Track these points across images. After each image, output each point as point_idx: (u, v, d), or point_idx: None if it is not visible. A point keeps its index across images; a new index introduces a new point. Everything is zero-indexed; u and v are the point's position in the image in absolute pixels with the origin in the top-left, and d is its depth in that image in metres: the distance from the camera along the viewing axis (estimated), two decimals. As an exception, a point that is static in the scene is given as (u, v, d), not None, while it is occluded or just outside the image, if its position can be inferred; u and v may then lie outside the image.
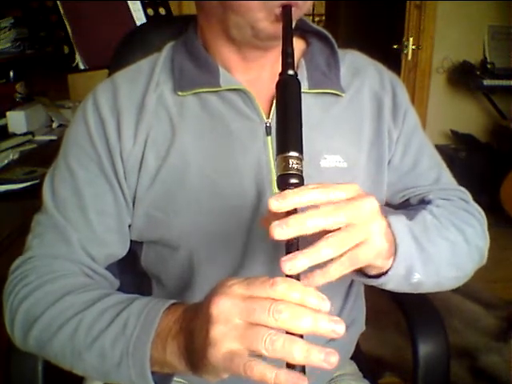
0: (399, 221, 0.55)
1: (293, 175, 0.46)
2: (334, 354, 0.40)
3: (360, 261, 0.48)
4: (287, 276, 0.43)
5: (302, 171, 0.47)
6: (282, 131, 0.49)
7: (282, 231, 0.43)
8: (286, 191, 0.45)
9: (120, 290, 0.64)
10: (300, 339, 0.40)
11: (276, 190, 0.64)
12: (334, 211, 0.45)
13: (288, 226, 0.43)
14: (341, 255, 0.46)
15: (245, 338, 0.41)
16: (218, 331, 0.42)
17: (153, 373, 0.51)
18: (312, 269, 0.46)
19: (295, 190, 0.45)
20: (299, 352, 0.39)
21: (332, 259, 0.46)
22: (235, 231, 0.66)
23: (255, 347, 0.40)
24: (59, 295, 0.58)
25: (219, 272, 0.66)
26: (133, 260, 0.74)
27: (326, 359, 0.39)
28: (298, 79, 0.52)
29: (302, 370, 0.41)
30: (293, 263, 0.42)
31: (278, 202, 0.44)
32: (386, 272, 0.54)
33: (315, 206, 0.45)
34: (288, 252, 0.44)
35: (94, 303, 0.57)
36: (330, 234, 0.45)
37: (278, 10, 0.57)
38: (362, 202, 0.47)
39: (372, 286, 0.59)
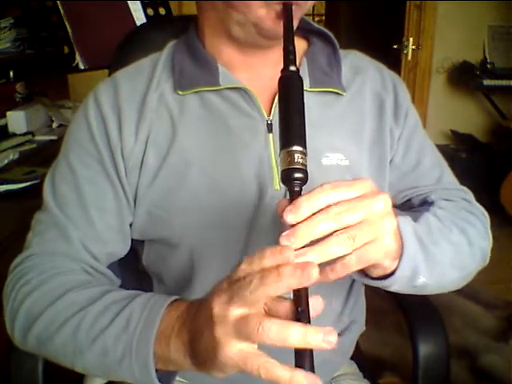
0: (406, 222, 0.55)
1: (297, 170, 0.46)
2: (333, 333, 0.39)
3: (369, 259, 0.48)
4: None
5: (306, 166, 0.47)
6: (285, 126, 0.49)
7: (290, 243, 0.43)
8: (298, 199, 0.44)
9: (121, 288, 0.64)
10: (294, 322, 0.40)
11: (278, 186, 0.64)
12: (344, 212, 0.44)
13: (297, 238, 0.43)
14: (350, 252, 0.45)
15: (242, 332, 0.40)
16: (220, 331, 0.42)
17: (156, 370, 0.51)
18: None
19: (306, 196, 0.44)
20: (296, 335, 0.39)
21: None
22: (236, 228, 0.66)
23: (253, 339, 0.40)
24: (60, 293, 0.58)
25: (220, 270, 0.65)
26: (134, 259, 0.74)
27: (324, 339, 0.39)
28: (300, 75, 0.53)
29: (311, 366, 0.40)
30: (302, 259, 0.42)
31: (294, 215, 0.43)
32: (392, 274, 0.54)
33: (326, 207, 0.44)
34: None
35: (96, 300, 0.56)
36: (340, 231, 0.44)
37: (279, 7, 0.58)
38: (374, 199, 0.46)
39: (372, 287, 0.59)
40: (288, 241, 0.43)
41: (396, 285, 0.56)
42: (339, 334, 0.72)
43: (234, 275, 0.43)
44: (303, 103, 0.51)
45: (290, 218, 0.43)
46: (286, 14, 0.57)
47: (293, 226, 0.44)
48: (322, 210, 0.44)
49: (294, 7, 0.57)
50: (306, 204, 0.44)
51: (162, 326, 0.51)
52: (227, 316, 0.41)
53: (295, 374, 0.39)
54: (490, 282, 1.87)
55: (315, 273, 0.39)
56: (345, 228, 0.44)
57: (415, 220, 0.60)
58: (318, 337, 0.38)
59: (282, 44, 0.54)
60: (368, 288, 0.79)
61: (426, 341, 0.76)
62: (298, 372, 0.39)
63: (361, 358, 0.88)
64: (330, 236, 0.44)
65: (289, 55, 0.53)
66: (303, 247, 0.43)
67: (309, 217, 0.44)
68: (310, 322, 0.41)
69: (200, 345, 0.45)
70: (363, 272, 0.56)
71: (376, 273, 0.54)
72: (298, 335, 0.39)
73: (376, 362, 1.69)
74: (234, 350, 0.41)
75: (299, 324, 0.39)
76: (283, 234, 0.43)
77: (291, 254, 0.41)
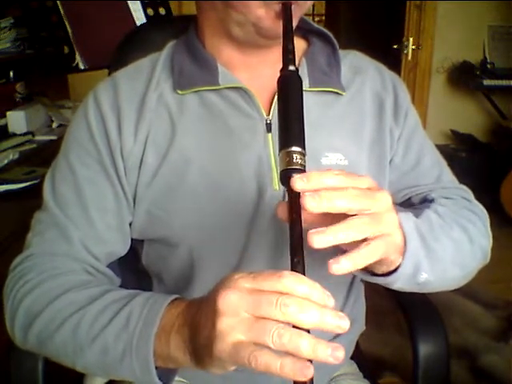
0: (408, 218, 0.55)
1: (296, 170, 0.46)
2: (341, 349, 0.39)
3: (382, 251, 0.48)
4: (293, 269, 0.43)
5: (305, 166, 0.47)
6: (284, 126, 0.49)
7: (314, 203, 0.43)
8: (311, 172, 0.45)
9: (121, 287, 0.64)
10: (307, 333, 0.40)
11: (277, 186, 0.65)
12: (358, 196, 0.45)
13: (309, 179, 0.44)
14: (367, 244, 0.46)
15: (252, 331, 0.40)
16: (225, 324, 0.41)
17: (156, 368, 0.51)
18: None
19: (318, 172, 0.45)
20: (306, 346, 0.39)
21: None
22: (236, 228, 0.66)
23: (262, 340, 0.40)
24: (60, 292, 0.58)
25: (220, 269, 0.66)
26: (134, 258, 0.74)
27: (332, 354, 0.39)
28: (299, 75, 0.53)
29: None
30: (320, 237, 0.43)
31: (303, 182, 0.44)
32: (395, 270, 0.54)
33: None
34: (292, 248, 0.44)
35: (96, 299, 0.57)
36: (356, 216, 0.45)
37: (278, 7, 0.58)
38: (378, 194, 0.47)
39: (372, 286, 0.59)
40: (301, 181, 0.43)
41: (399, 282, 0.56)
42: (339, 334, 0.72)
43: (260, 281, 0.42)
44: (302, 103, 0.51)
45: (299, 183, 0.44)
46: (286, 14, 0.57)
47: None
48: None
49: (293, 7, 0.57)
50: (317, 177, 0.44)
51: (162, 323, 0.51)
52: (239, 313, 0.41)
53: (284, 362, 0.39)
54: (489, 282, 1.86)
55: (347, 326, 0.40)
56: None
57: (416, 216, 0.60)
58: (327, 351, 0.39)
59: (282, 44, 0.54)
60: (368, 288, 0.79)
61: (426, 341, 0.76)
62: (287, 359, 0.39)
63: (361, 358, 0.88)
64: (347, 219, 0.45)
65: (288, 55, 0.53)
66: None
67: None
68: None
69: (199, 339, 0.46)
70: (367, 269, 0.56)
71: (380, 269, 0.54)
72: (308, 346, 0.39)
73: (376, 362, 1.69)
74: (230, 342, 0.41)
75: (311, 336, 0.40)
76: (308, 193, 0.43)
77: (330, 302, 0.42)
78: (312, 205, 0.43)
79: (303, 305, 0.40)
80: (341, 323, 0.40)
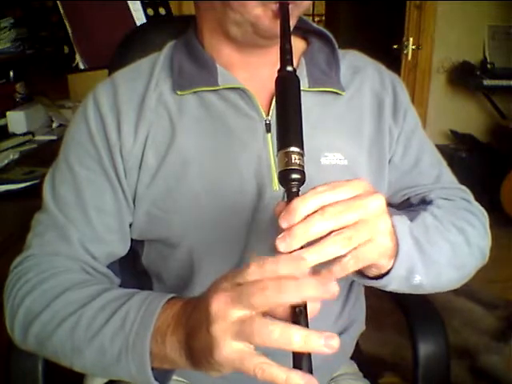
0: (401, 221, 0.55)
1: (294, 170, 0.46)
2: (334, 337, 0.39)
3: (366, 259, 0.47)
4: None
5: (303, 166, 0.47)
6: (282, 127, 0.49)
7: (287, 244, 0.42)
8: (292, 202, 0.44)
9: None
10: (296, 326, 0.39)
11: (276, 186, 0.65)
12: (340, 213, 0.44)
13: (293, 239, 0.42)
14: (346, 253, 0.45)
15: (242, 333, 0.40)
16: (217, 329, 0.41)
17: (153, 368, 0.51)
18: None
19: (300, 198, 0.44)
20: (298, 338, 0.39)
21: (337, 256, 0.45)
22: (235, 228, 0.66)
23: (254, 341, 0.40)
24: (59, 291, 0.59)
25: (219, 270, 0.65)
26: (133, 258, 0.74)
27: (326, 343, 0.38)
28: (296, 75, 0.52)
29: (309, 367, 0.40)
30: (306, 256, 0.42)
31: (287, 221, 0.43)
32: (387, 273, 0.54)
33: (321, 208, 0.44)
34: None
35: (94, 298, 0.57)
36: (336, 232, 0.44)
37: (275, 7, 0.58)
38: (369, 199, 0.46)
39: (372, 287, 0.59)
40: (284, 242, 0.42)
41: (393, 284, 0.56)
42: (339, 334, 0.72)
43: (238, 276, 0.42)
44: (300, 104, 0.51)
45: (284, 223, 0.43)
46: (283, 14, 0.57)
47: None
48: (316, 211, 0.44)
49: (290, 6, 0.57)
50: (301, 206, 0.44)
51: (157, 324, 0.51)
52: (227, 316, 0.41)
53: (291, 375, 0.39)
54: (489, 282, 1.87)
55: (335, 288, 0.39)
56: (341, 228, 0.44)
57: (412, 219, 0.60)
58: (320, 341, 0.38)
59: (279, 43, 0.54)
60: (367, 288, 0.79)
61: (426, 341, 0.76)
62: (294, 372, 0.39)
63: (361, 357, 0.87)
64: (326, 237, 0.44)
65: (285, 55, 0.53)
66: (300, 249, 0.43)
67: (304, 219, 0.44)
68: (308, 322, 0.41)
69: (195, 343, 0.45)
70: (360, 272, 0.56)
71: (372, 272, 0.54)
72: (299, 339, 0.39)
73: (376, 362, 1.69)
74: (230, 349, 0.41)
75: (301, 328, 0.39)
76: (279, 236, 0.43)
77: (306, 267, 0.41)
78: (285, 246, 0.42)
79: (282, 285, 0.39)
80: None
